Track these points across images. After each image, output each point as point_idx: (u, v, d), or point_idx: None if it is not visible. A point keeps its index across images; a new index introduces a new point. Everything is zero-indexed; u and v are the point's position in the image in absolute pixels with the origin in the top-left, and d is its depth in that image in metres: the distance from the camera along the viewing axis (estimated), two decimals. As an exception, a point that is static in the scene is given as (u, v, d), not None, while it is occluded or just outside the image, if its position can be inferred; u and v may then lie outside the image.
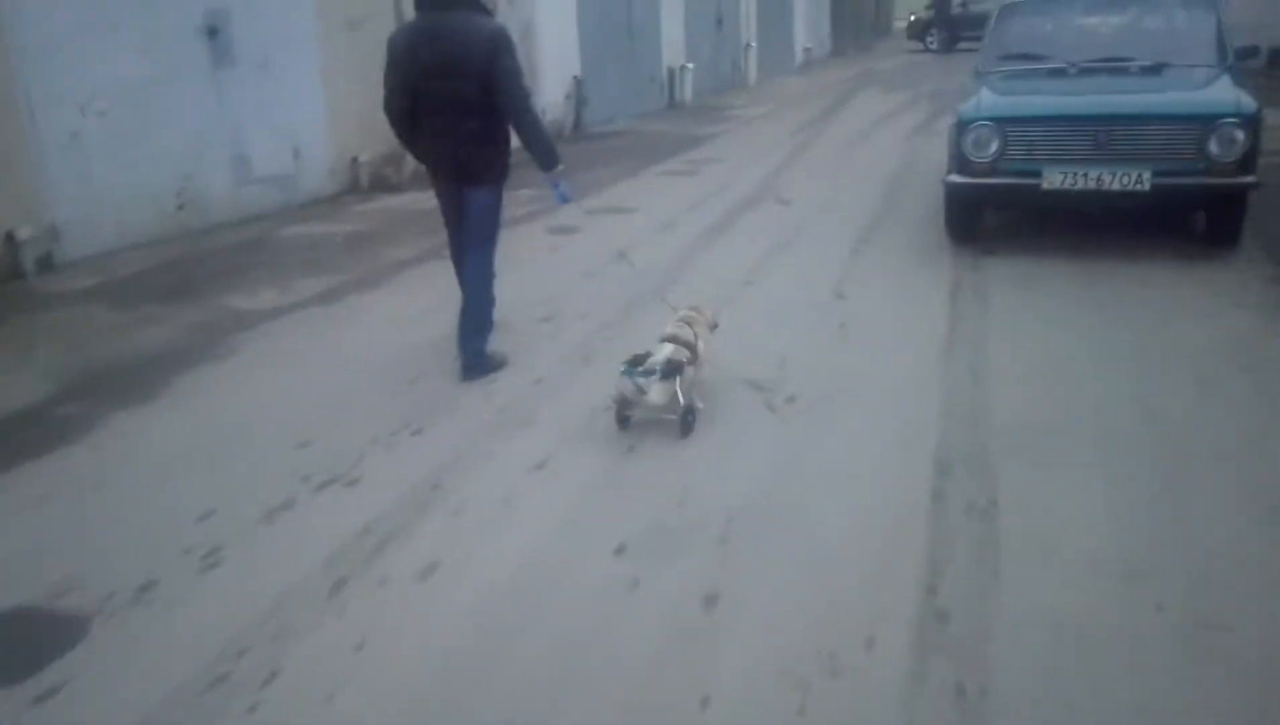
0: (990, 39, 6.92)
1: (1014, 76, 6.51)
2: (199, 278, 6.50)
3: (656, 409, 3.62)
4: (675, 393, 3.60)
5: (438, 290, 5.96)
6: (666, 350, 3.66)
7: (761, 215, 7.73)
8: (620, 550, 2.93)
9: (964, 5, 27.11)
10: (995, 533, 2.94)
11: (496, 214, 4.49)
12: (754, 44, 20.70)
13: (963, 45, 26.14)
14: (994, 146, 5.75)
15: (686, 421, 3.69)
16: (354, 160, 9.48)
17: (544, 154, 4.29)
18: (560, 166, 4.38)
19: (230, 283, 6.31)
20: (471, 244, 4.48)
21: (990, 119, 5.76)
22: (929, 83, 17.90)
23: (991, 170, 5.80)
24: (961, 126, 5.86)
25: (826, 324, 4.97)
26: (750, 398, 4.07)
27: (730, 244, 6.82)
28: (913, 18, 28.31)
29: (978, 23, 26.50)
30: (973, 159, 5.81)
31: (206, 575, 2.93)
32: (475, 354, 4.45)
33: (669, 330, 3.85)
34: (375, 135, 9.95)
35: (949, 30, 26.60)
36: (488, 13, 4.30)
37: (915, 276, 5.70)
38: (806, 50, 24.82)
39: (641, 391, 3.54)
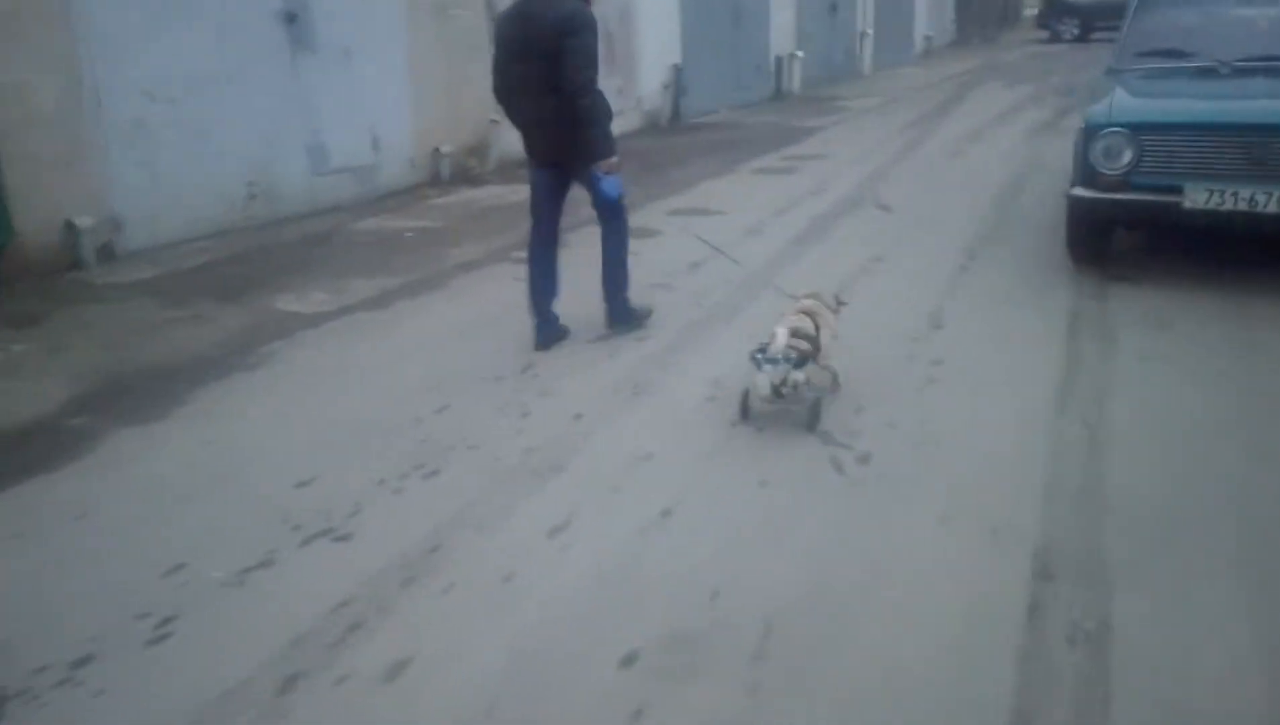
0: (1127, 31, 6.02)
1: (1154, 76, 5.66)
2: (257, 274, 6.22)
3: (767, 400, 3.52)
4: (802, 384, 3.51)
5: (494, 297, 5.55)
6: (781, 338, 3.51)
7: (858, 223, 7.04)
8: (629, 661, 2.40)
9: (1100, -8, 25.38)
10: (1105, 673, 2.29)
11: (609, 188, 4.40)
12: (870, 31, 19.68)
13: (1097, 35, 24.50)
14: (1127, 157, 4.96)
15: (814, 413, 3.61)
16: (436, 151, 9.16)
17: (595, 141, 4.22)
18: (614, 159, 4.30)
19: (286, 281, 6.01)
20: (602, 221, 4.60)
21: (1124, 125, 4.97)
22: (1056, 75, 16.66)
23: (1123, 184, 5.00)
24: (1090, 132, 5.07)
25: (918, 361, 4.30)
26: (816, 453, 3.48)
27: (819, 257, 6.17)
28: (1044, 4, 26.65)
29: (1116, 10, 24.77)
30: (1102, 170, 5.03)
31: (150, 652, 2.53)
32: (620, 309, 4.73)
33: (788, 322, 3.67)
34: (460, 125, 9.65)
35: (1058, 19, 24.95)
36: None
37: (1027, 306, 4.96)
38: (927, 39, 23.58)
39: (772, 383, 3.45)
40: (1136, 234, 5.81)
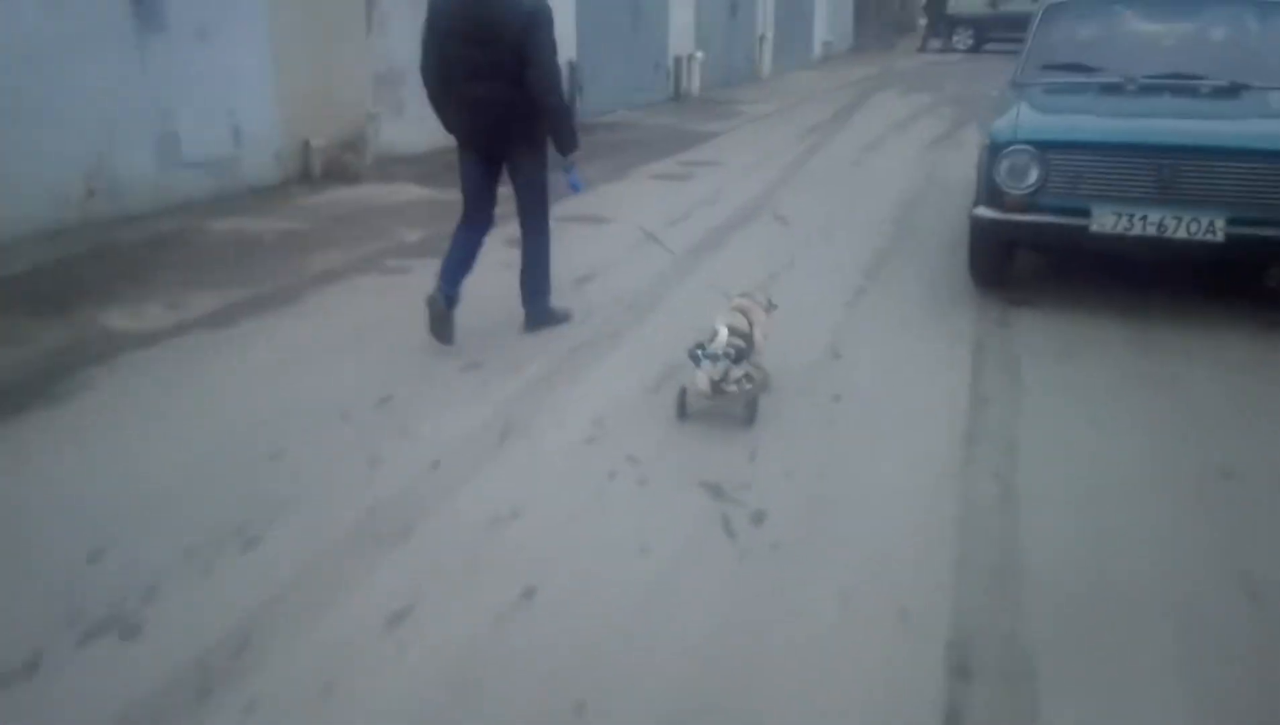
0: (1031, 43, 5.82)
1: (1059, 91, 5.46)
2: (88, 282, 5.48)
3: (719, 399, 3.55)
4: (739, 381, 3.53)
5: (353, 315, 4.99)
6: (722, 335, 3.53)
7: (754, 236, 6.70)
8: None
9: (993, 4, 25.93)
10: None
11: (543, 180, 4.48)
12: (770, 35, 19.56)
13: (990, 47, 25.00)
14: (1033, 176, 4.71)
15: (750, 408, 3.62)
16: (306, 144, 8.46)
17: (566, 137, 4.30)
18: (576, 152, 4.37)
19: (119, 291, 5.30)
20: (524, 213, 4.53)
21: (1030, 142, 4.72)
22: (952, 84, 16.80)
23: (1029, 205, 4.76)
24: (994, 150, 4.82)
25: (817, 397, 3.94)
26: (706, 508, 3.07)
27: (712, 273, 5.78)
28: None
29: (1010, 23, 25.46)
30: (1007, 190, 4.77)
31: None
32: (539, 311, 4.66)
33: (723, 319, 3.67)
34: (334, 117, 8.95)
35: (943, 29, 25.53)
36: None
37: (929, 333, 4.67)
38: (826, 44, 23.66)
39: (711, 379, 3.47)
40: (1039, 255, 5.61)
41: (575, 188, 4.53)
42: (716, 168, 9.42)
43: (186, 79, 7.30)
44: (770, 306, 4.00)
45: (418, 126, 9.78)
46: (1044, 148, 4.69)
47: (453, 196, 7.77)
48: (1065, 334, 4.60)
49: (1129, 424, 3.67)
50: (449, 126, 4.49)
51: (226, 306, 5.08)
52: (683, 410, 3.68)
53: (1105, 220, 4.57)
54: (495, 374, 4.18)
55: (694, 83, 16.04)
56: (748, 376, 3.57)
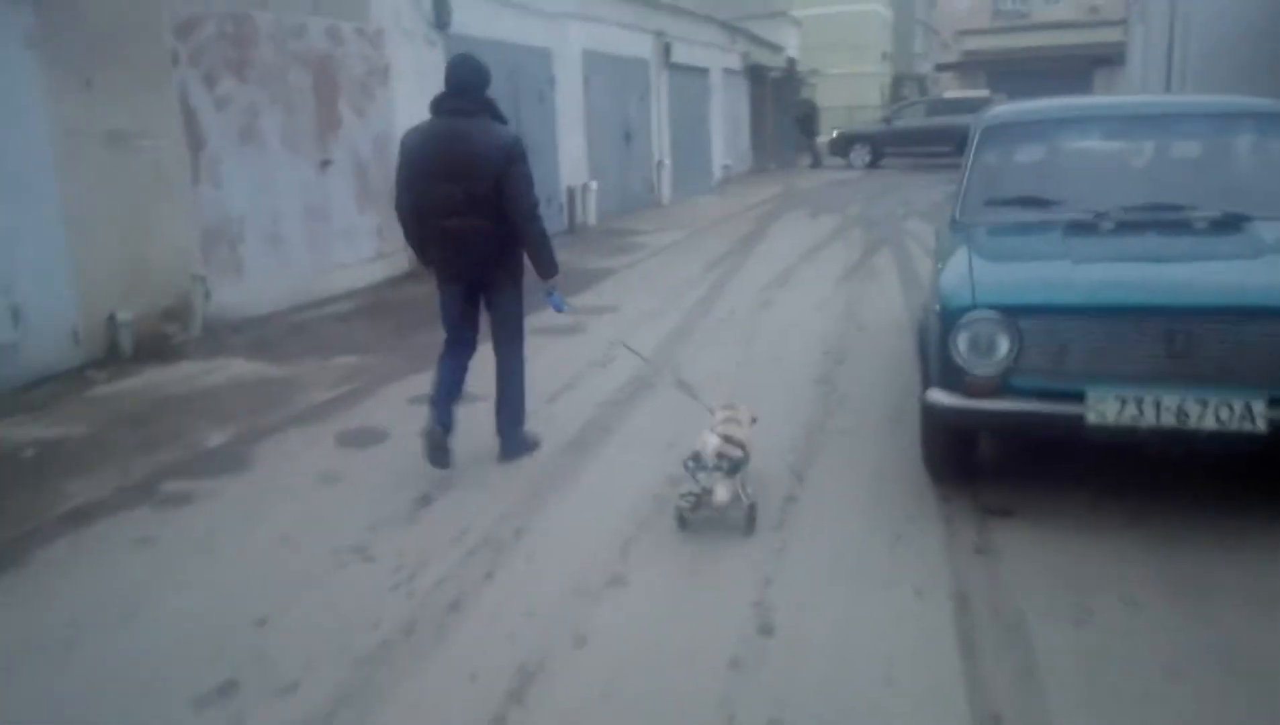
0: (970, 173, 4.70)
1: (1014, 232, 4.37)
2: None
3: (721, 507, 3.57)
4: (739, 490, 3.62)
5: (87, 593, 3.49)
6: (713, 444, 3.61)
7: (652, 415, 5.42)
8: None
9: (888, 121, 26.09)
10: None
11: (520, 310, 4.61)
12: (668, 160, 18.90)
13: (886, 162, 24.98)
14: (1002, 351, 3.56)
15: (750, 517, 3.67)
16: (111, 318, 6.99)
17: (546, 263, 4.44)
18: (556, 276, 4.51)
19: None
20: (501, 343, 4.61)
21: (996, 307, 3.58)
22: (856, 205, 16.20)
23: (1000, 387, 3.59)
24: (948, 317, 3.66)
25: (739, 716, 2.59)
26: None
27: (594, 482, 4.47)
28: (835, 133, 27.12)
29: (904, 138, 25.51)
30: (969, 370, 3.61)
31: None
32: (513, 440, 4.67)
33: (718, 430, 3.71)
34: (148, 284, 7.45)
35: (812, 147, 25.81)
36: (503, 120, 4.38)
37: (889, 575, 3.38)
38: (725, 167, 23.21)
39: (707, 490, 3.55)
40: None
41: (558, 308, 4.65)
42: (611, 315, 8.23)
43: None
44: (752, 421, 3.98)
45: (258, 286, 8.41)
46: (1014, 313, 3.54)
47: (287, 373, 6.35)
48: (1072, 568, 3.35)
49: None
50: (426, 262, 4.61)
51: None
52: (682, 522, 3.72)
53: (1106, 407, 3.41)
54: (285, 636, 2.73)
55: (590, 213, 15.09)
56: (740, 493, 3.63)
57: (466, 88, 4.28)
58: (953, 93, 33.76)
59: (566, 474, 4.51)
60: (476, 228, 4.27)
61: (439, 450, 4.32)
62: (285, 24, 8.72)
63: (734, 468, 3.57)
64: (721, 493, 3.52)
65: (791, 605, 3.19)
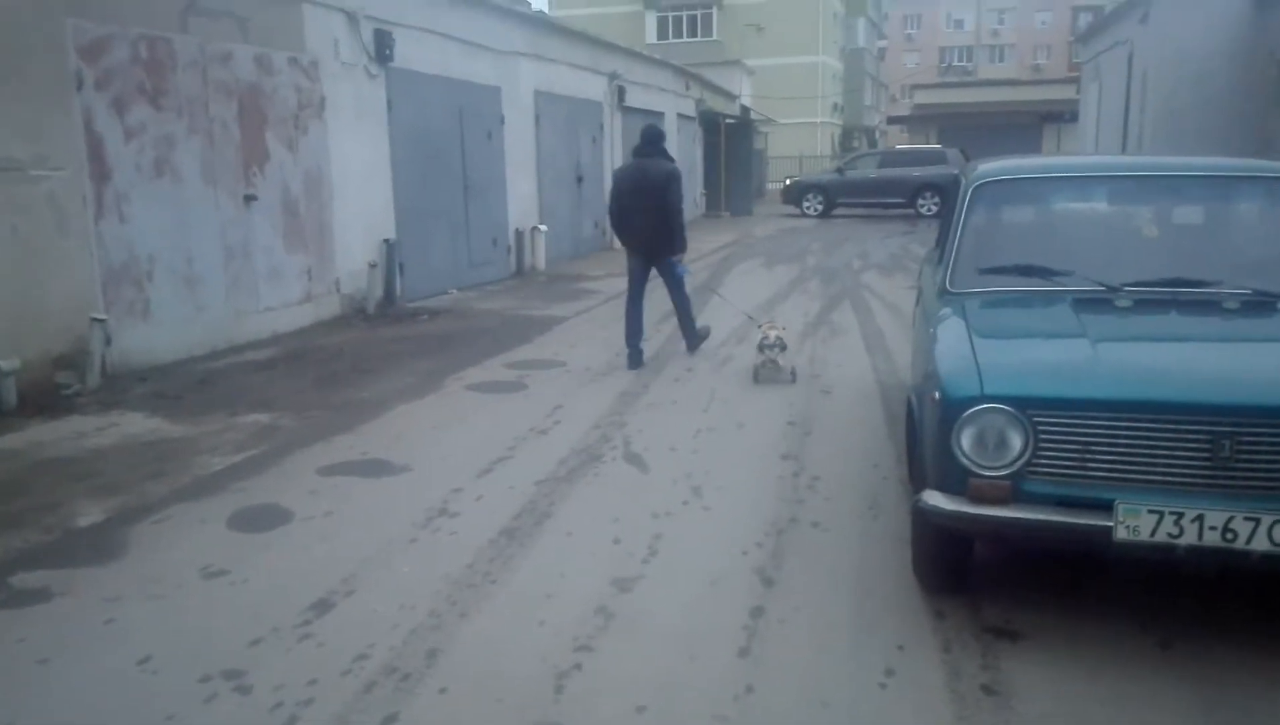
0: (960, 238, 4.16)
1: (1017, 305, 3.84)
2: None
3: (780, 370, 6.91)
4: (787, 362, 7.00)
5: None
6: (773, 335, 6.91)
7: (599, 497, 4.77)
8: None
9: (841, 171, 25.98)
10: None
11: (676, 270, 7.65)
12: (620, 204, 18.41)
13: (839, 212, 24.82)
14: (1015, 450, 3.01)
15: (792, 376, 6.96)
16: (-10, 369, 6.19)
17: (679, 244, 7.53)
18: (684, 252, 7.65)
19: None
20: (672, 289, 7.76)
21: (1005, 398, 3.03)
22: (812, 255, 15.82)
23: (1010, 492, 3.03)
24: (949, 409, 3.09)
25: None
26: None
27: (530, 580, 3.81)
28: (788, 181, 26.94)
29: (856, 188, 25.41)
30: (976, 471, 3.04)
31: None
32: (692, 337, 8.01)
33: (771, 330, 6.98)
34: (38, 329, 6.57)
35: (801, 195, 25.27)
36: (670, 159, 7.53)
37: (879, 717, 2.78)
38: (678, 211, 22.84)
39: (772, 360, 6.87)
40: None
41: (683, 273, 7.67)
42: (556, 371, 7.60)
43: None
44: (784, 328, 7.30)
45: (168, 330, 7.63)
46: (1029, 406, 2.99)
47: (186, 432, 5.62)
48: (1100, 715, 2.78)
49: None
50: (625, 243, 7.70)
51: None
52: (757, 377, 6.99)
53: (1138, 522, 2.86)
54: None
55: (539, 257, 14.51)
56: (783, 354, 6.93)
57: (652, 139, 7.47)
58: (904, 145, 33.97)
59: (495, 577, 3.84)
60: (651, 223, 7.33)
61: (636, 361, 7.60)
62: (209, 50, 8.05)
63: (784, 347, 6.90)
64: (781, 361, 6.86)
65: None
